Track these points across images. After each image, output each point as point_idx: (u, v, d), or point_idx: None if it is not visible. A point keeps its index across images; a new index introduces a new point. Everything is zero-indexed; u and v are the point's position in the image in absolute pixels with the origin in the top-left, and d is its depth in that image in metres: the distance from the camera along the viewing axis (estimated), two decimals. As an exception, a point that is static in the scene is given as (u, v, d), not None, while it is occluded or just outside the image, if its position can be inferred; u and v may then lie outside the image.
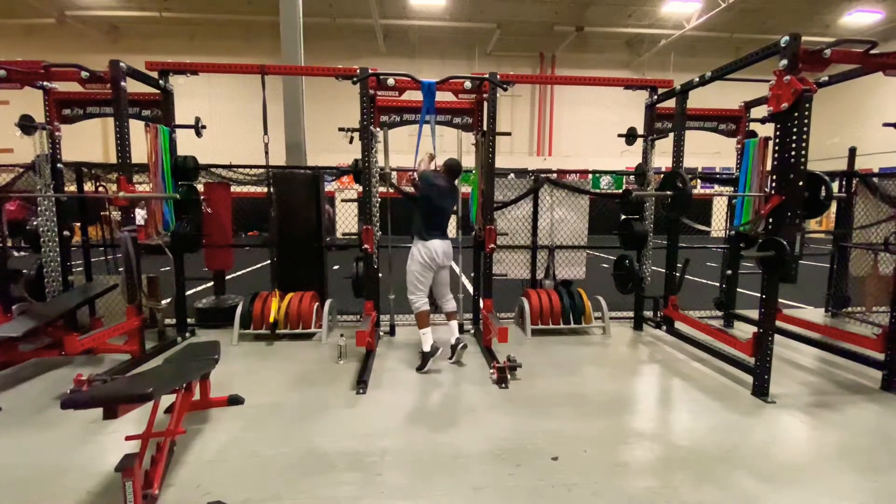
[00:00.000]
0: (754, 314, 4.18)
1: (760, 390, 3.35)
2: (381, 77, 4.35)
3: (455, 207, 4.36)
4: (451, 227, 4.25)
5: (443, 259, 4.00)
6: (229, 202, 5.38)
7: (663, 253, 4.86)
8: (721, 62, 4.01)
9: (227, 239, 5.34)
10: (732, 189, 5.21)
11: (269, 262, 5.15)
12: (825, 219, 11.93)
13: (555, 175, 5.63)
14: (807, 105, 2.96)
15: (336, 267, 7.51)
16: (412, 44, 18.99)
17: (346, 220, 6.33)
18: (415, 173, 4.00)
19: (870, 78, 3.85)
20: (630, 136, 5.08)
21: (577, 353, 4.37)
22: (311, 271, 5.24)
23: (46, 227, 4.28)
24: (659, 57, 19.15)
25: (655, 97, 4.92)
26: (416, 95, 4.39)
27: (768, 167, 3.69)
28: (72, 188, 4.76)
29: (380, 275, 4.56)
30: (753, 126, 5.20)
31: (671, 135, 4.75)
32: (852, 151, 5.59)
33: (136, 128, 4.03)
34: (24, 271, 4.43)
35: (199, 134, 4.60)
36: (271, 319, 4.58)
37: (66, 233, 4.46)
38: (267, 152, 4.63)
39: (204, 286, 6.77)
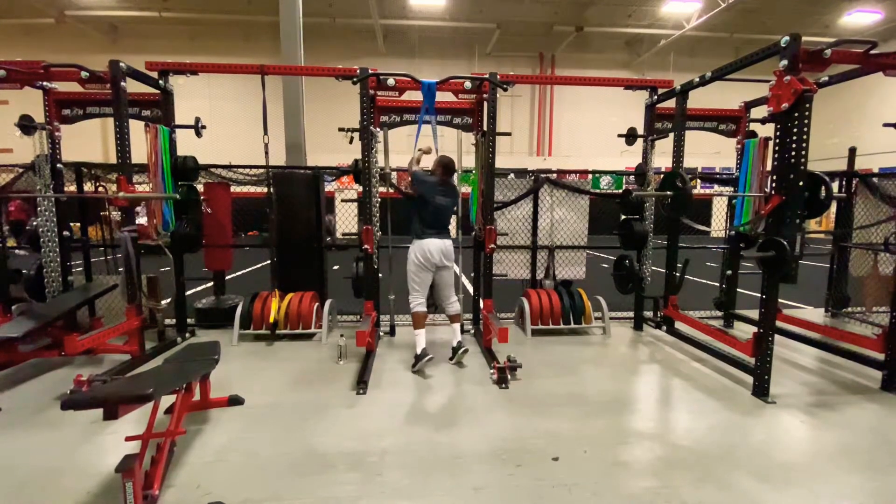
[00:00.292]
0: (754, 314, 4.19)
1: (760, 390, 3.35)
2: (381, 77, 4.35)
3: (455, 206, 4.27)
4: (451, 226, 4.21)
5: (439, 258, 3.92)
6: (229, 202, 5.38)
7: (663, 253, 4.86)
8: (721, 62, 4.01)
9: (226, 239, 5.34)
10: (732, 189, 5.21)
11: (268, 262, 5.15)
12: (825, 219, 11.94)
13: (555, 175, 5.63)
14: (807, 105, 2.96)
15: (336, 267, 7.51)
16: (412, 44, 18.99)
17: (346, 220, 6.33)
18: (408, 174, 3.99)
19: (870, 78, 3.85)
20: (630, 137, 5.08)
21: (577, 354, 4.37)
22: (311, 271, 5.23)
23: (46, 227, 4.28)
24: (659, 57, 19.15)
25: (655, 97, 4.92)
26: (416, 95, 4.39)
27: (768, 167, 3.69)
28: (71, 188, 4.76)
29: (380, 275, 4.56)
30: (753, 126, 5.20)
31: (671, 135, 4.75)
32: (852, 151, 5.59)
33: (136, 128, 4.03)
34: (24, 271, 4.43)
35: (198, 134, 4.60)
36: (271, 320, 4.58)
37: (65, 233, 4.46)
38: (267, 152, 4.63)
39: (204, 286, 6.77)
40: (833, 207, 4.80)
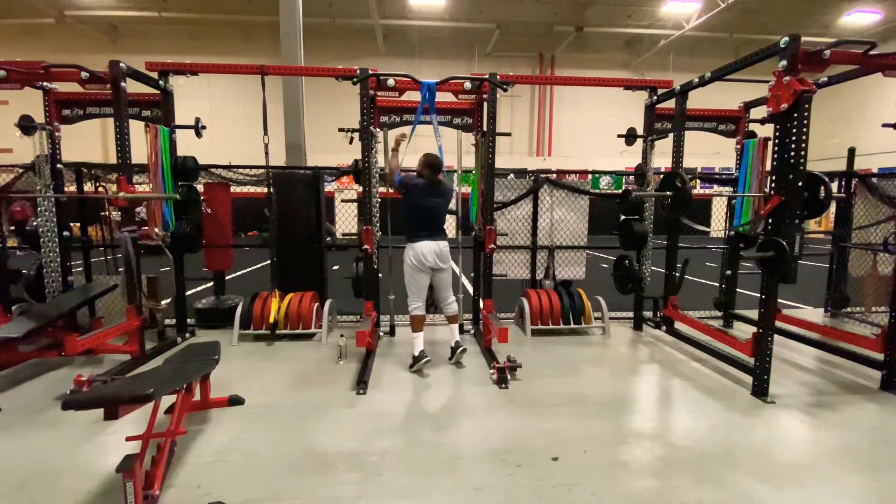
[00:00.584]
0: (754, 314, 4.19)
1: (760, 390, 3.36)
2: (381, 77, 4.35)
3: (451, 204, 4.14)
4: (450, 227, 4.19)
5: (433, 261, 3.86)
6: (229, 202, 5.38)
7: (663, 253, 4.87)
8: (720, 62, 4.01)
9: (226, 239, 5.34)
10: (732, 189, 5.22)
11: (268, 262, 5.15)
12: (824, 219, 11.94)
13: (554, 175, 5.63)
14: (806, 106, 2.96)
15: (336, 267, 7.52)
16: (412, 44, 18.99)
17: (346, 220, 6.33)
18: (398, 173, 3.91)
19: (869, 78, 3.86)
20: (630, 137, 5.09)
21: (576, 354, 4.37)
22: (310, 271, 5.24)
23: (46, 227, 4.28)
24: (658, 57, 19.16)
25: (655, 98, 4.92)
26: (416, 96, 4.39)
27: (768, 167, 3.70)
28: (71, 188, 4.76)
29: (380, 275, 4.57)
30: (753, 126, 5.20)
31: (671, 135, 4.75)
32: (851, 152, 5.60)
33: (136, 128, 4.03)
34: (24, 271, 4.43)
35: (198, 134, 4.60)
36: (271, 320, 4.58)
37: (65, 233, 4.46)
38: (267, 152, 4.63)
39: (204, 286, 6.77)
40: (832, 207, 4.80)
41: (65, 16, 16.46)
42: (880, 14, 16.04)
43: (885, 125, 3.89)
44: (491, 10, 16.79)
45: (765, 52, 3.34)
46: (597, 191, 9.18)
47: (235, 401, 3.14)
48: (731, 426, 2.93)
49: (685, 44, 18.42)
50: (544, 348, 4.52)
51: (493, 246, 4.40)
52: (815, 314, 5.81)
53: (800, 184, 3.07)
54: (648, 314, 5.34)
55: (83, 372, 3.33)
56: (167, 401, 2.46)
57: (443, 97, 4.48)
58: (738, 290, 5.38)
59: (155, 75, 4.44)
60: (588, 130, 20.11)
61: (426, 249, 3.84)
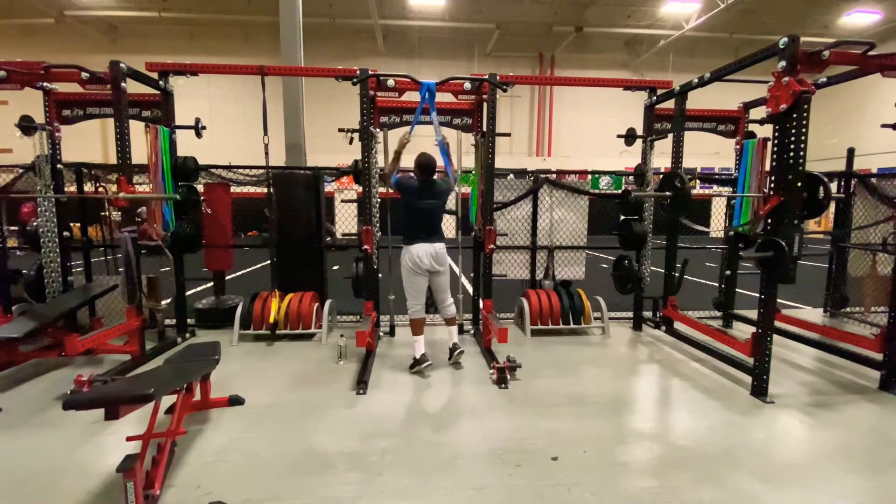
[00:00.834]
0: (753, 314, 4.19)
1: (759, 390, 3.36)
2: (381, 78, 4.36)
3: (444, 205, 4.04)
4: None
5: (430, 263, 3.82)
6: (229, 203, 5.39)
7: (662, 253, 4.87)
8: (720, 63, 4.02)
9: (226, 239, 5.34)
10: (731, 189, 5.22)
11: (268, 262, 5.16)
12: (824, 219, 11.95)
13: (554, 175, 5.64)
14: (805, 106, 2.97)
15: (336, 267, 7.52)
16: (411, 44, 18.99)
17: (346, 220, 6.34)
18: (395, 174, 3.91)
19: (868, 79, 3.86)
20: (629, 137, 5.10)
21: (576, 354, 4.38)
22: (310, 271, 5.24)
23: (46, 227, 4.28)
24: (658, 57, 19.17)
25: (654, 98, 4.93)
26: (415, 96, 4.39)
27: (767, 168, 3.70)
28: (71, 189, 4.77)
29: (379, 275, 4.57)
30: (752, 127, 5.21)
31: (670, 135, 4.76)
32: (851, 152, 5.60)
33: (136, 128, 4.03)
34: (24, 271, 4.43)
35: (198, 135, 4.61)
36: (271, 320, 4.58)
37: (65, 233, 4.46)
38: (267, 153, 4.63)
39: (204, 286, 6.77)
40: (832, 208, 4.81)
41: (65, 16, 16.46)
42: (880, 14, 16.05)
43: (884, 126, 3.90)
44: (491, 11, 16.79)
45: (764, 53, 3.34)
46: (596, 191, 9.18)
47: (235, 401, 3.14)
48: (730, 426, 2.94)
49: (685, 44, 18.43)
50: (544, 348, 4.52)
51: (492, 246, 4.41)
52: (815, 314, 5.81)
53: (799, 184, 3.08)
54: (648, 314, 5.34)
55: (83, 372, 3.33)
56: (167, 401, 2.46)
57: (442, 97, 4.49)
58: (737, 290, 5.39)
59: (155, 75, 4.45)
60: (588, 131, 20.11)
61: (421, 252, 3.81)
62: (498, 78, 4.18)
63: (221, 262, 5.41)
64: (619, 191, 5.60)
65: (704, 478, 2.36)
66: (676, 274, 4.77)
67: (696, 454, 2.59)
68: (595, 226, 5.91)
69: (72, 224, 4.67)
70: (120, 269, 4.35)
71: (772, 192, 3.25)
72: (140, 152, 3.90)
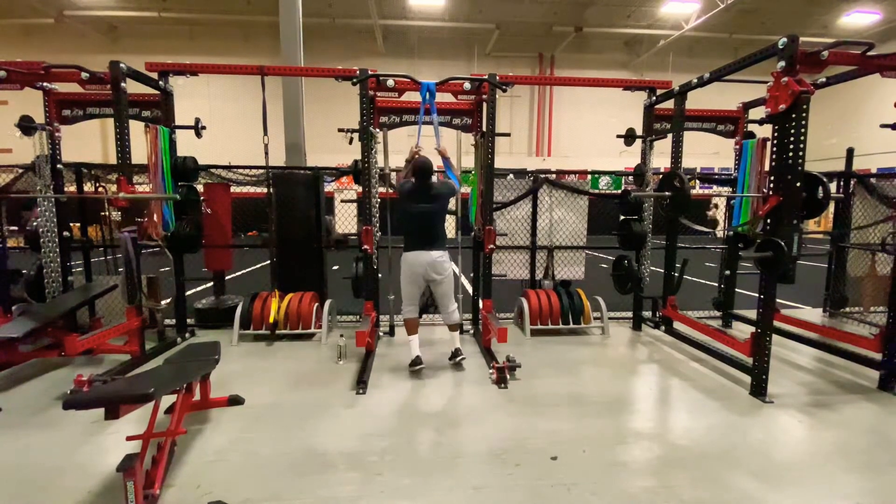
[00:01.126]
0: (752, 314, 4.20)
1: (758, 390, 3.36)
2: (381, 78, 4.36)
3: (441, 210, 3.86)
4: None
5: (427, 272, 3.71)
6: (229, 203, 5.39)
7: (662, 253, 4.88)
8: (720, 63, 4.02)
9: (226, 239, 5.35)
10: (731, 189, 5.23)
11: (268, 262, 5.16)
12: (823, 219, 11.96)
13: (554, 175, 5.64)
14: (804, 106, 2.97)
15: (336, 267, 7.52)
16: (411, 44, 19.00)
17: (345, 220, 6.34)
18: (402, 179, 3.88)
19: (868, 79, 3.87)
20: (629, 137, 5.10)
21: (576, 354, 4.38)
22: (310, 271, 5.24)
23: (46, 227, 4.28)
24: (658, 57, 19.18)
25: (654, 98, 4.93)
26: (415, 96, 4.39)
27: (766, 168, 3.71)
28: (71, 189, 4.77)
29: (379, 275, 4.57)
30: (752, 127, 5.21)
31: (669, 135, 4.76)
32: (850, 152, 5.61)
33: (136, 128, 4.04)
34: (24, 271, 4.43)
35: (198, 134, 4.61)
36: (271, 320, 4.58)
37: (65, 233, 4.46)
38: (266, 153, 4.64)
39: (204, 286, 6.77)
40: (831, 208, 4.81)
41: (64, 16, 16.46)
42: (879, 14, 16.06)
43: (883, 126, 3.90)
44: (490, 11, 16.80)
45: (763, 53, 3.35)
46: (596, 191, 9.18)
47: (235, 401, 3.15)
48: (729, 426, 2.94)
49: (684, 44, 18.45)
50: (543, 348, 4.52)
51: (492, 246, 4.41)
52: (814, 314, 5.82)
53: (798, 184, 3.08)
54: (647, 314, 5.35)
55: (83, 372, 3.32)
56: (167, 401, 2.47)
57: (442, 97, 4.49)
58: (737, 290, 5.39)
59: (155, 76, 4.45)
60: (587, 131, 20.11)
61: (418, 262, 3.71)
62: (497, 78, 4.19)
63: (221, 262, 5.42)
64: (619, 191, 5.61)
65: (704, 477, 2.37)
66: (676, 274, 4.77)
67: (695, 454, 2.60)
68: (595, 226, 5.91)
69: (72, 224, 4.68)
70: (120, 269, 4.35)
71: (771, 192, 3.26)
72: (140, 152, 3.90)
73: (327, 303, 4.91)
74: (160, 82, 4.48)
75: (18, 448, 2.63)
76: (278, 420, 2.97)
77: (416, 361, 3.76)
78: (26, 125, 4.17)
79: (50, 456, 2.53)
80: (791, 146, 3.05)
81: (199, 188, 4.96)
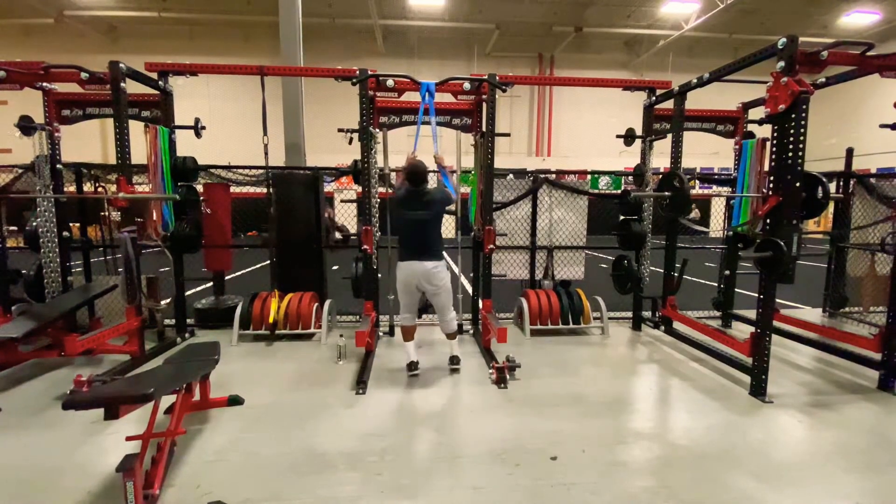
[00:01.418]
0: (752, 314, 4.20)
1: (758, 390, 3.37)
2: (381, 78, 4.36)
3: (435, 215, 3.68)
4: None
5: (421, 283, 3.59)
6: (228, 203, 5.39)
7: (662, 253, 4.88)
8: (719, 63, 4.02)
9: (226, 239, 5.34)
10: (731, 189, 5.23)
11: (268, 262, 5.16)
12: (823, 219, 11.95)
13: (553, 175, 5.64)
14: (804, 106, 2.97)
15: (335, 267, 7.52)
16: (411, 44, 19.00)
17: (345, 220, 6.34)
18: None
19: (867, 79, 3.87)
20: (628, 137, 5.10)
21: (575, 354, 4.38)
22: (310, 271, 5.24)
23: (46, 227, 4.28)
24: (657, 57, 19.18)
25: (654, 98, 4.93)
26: (415, 96, 4.39)
27: (766, 168, 3.71)
28: (71, 189, 4.77)
29: (379, 275, 4.57)
30: (751, 127, 5.21)
31: (669, 135, 4.77)
32: (850, 152, 5.61)
33: (136, 128, 4.03)
34: (24, 271, 4.43)
35: (198, 135, 4.61)
36: (271, 320, 4.58)
37: (65, 233, 4.46)
38: (266, 153, 4.64)
39: (203, 286, 6.78)
40: (831, 208, 4.81)
41: (64, 16, 16.44)
42: (879, 14, 16.06)
43: (882, 126, 3.90)
44: (490, 11, 16.79)
45: (763, 53, 3.35)
46: (596, 191, 9.18)
47: (235, 401, 3.14)
48: (729, 426, 2.94)
49: (684, 44, 18.45)
50: (543, 348, 4.52)
51: (492, 246, 4.41)
52: (814, 314, 5.82)
53: (798, 184, 3.08)
54: (647, 314, 5.35)
55: (83, 372, 3.32)
56: (167, 401, 2.47)
57: (442, 98, 4.49)
58: (736, 290, 5.39)
59: (154, 76, 4.45)
60: (587, 131, 20.11)
61: (411, 273, 3.59)
62: (497, 78, 4.19)
63: (221, 262, 5.41)
64: (619, 191, 5.61)
65: (703, 477, 2.37)
66: (676, 274, 4.78)
67: (694, 454, 2.60)
68: (594, 226, 5.91)
69: (71, 224, 4.67)
70: (119, 270, 4.35)
71: (770, 192, 3.26)
72: (140, 152, 3.90)
73: (327, 303, 4.91)
74: (160, 82, 4.48)
75: (18, 448, 2.62)
76: (278, 420, 2.97)
77: (413, 366, 3.76)
78: (26, 125, 4.16)
79: (49, 456, 2.53)
80: (791, 146, 3.05)
81: (199, 188, 4.96)
